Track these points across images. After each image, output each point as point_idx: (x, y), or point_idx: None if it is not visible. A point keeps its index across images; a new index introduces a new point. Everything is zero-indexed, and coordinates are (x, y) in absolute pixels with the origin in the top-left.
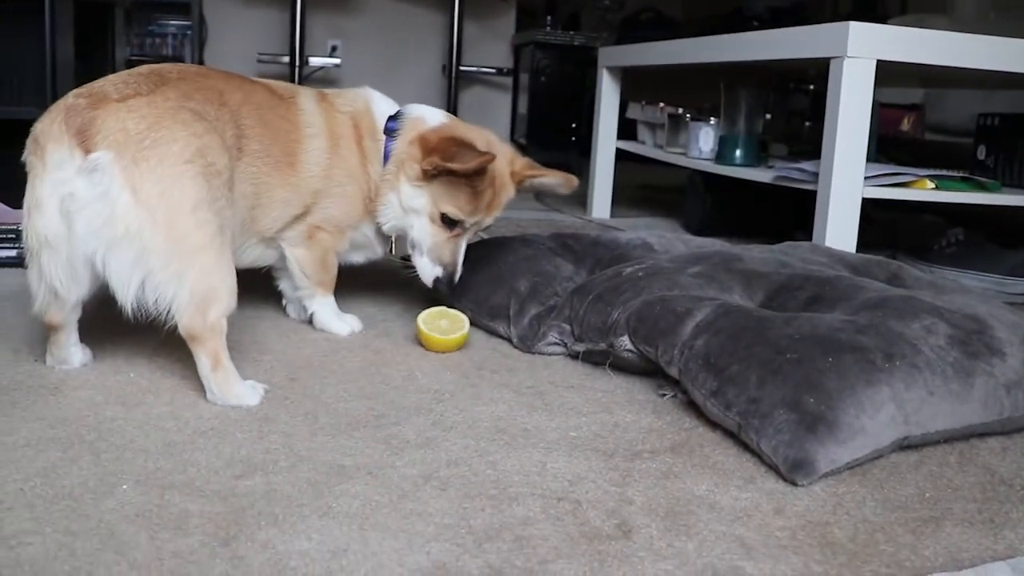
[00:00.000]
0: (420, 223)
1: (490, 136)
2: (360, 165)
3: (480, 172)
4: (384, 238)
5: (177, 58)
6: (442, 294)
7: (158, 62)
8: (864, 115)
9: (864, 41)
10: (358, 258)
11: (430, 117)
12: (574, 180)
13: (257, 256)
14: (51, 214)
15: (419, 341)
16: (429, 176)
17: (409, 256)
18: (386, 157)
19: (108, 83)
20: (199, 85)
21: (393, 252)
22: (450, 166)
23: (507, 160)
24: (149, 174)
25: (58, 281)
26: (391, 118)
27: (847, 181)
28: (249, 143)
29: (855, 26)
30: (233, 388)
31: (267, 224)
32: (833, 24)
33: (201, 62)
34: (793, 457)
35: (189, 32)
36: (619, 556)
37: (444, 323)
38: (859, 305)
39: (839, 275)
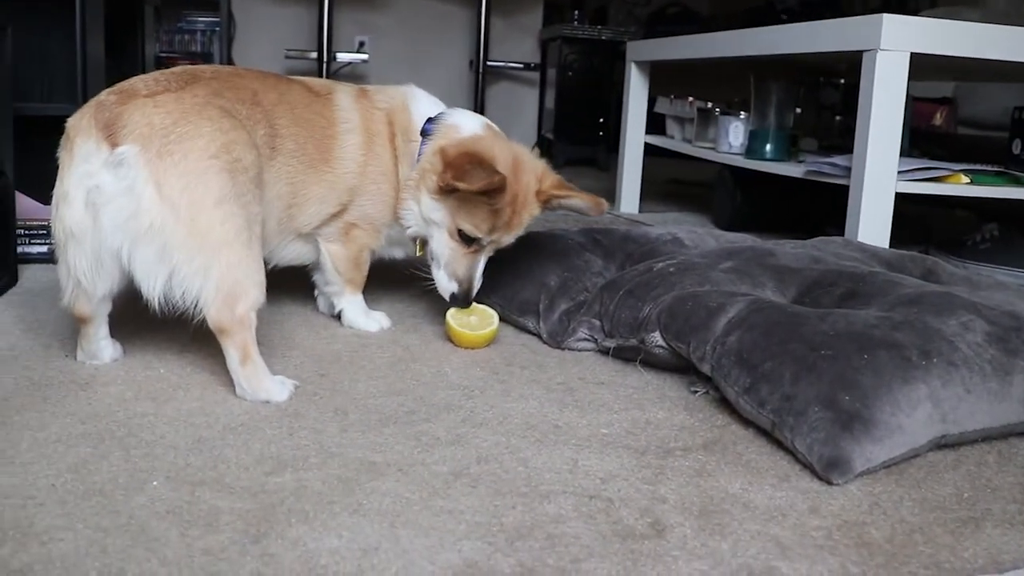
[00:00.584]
0: (438, 236)
1: (520, 153)
2: (392, 164)
3: (495, 191)
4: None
5: (206, 54)
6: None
7: (187, 58)
8: (898, 109)
9: (898, 33)
10: (399, 253)
11: (465, 126)
12: (604, 204)
13: (297, 254)
14: (77, 206)
15: (448, 337)
16: (445, 191)
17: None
18: (419, 160)
19: (140, 81)
20: (232, 84)
21: (418, 253)
22: (458, 185)
23: (535, 178)
24: (173, 168)
25: (83, 274)
26: (429, 120)
27: (880, 176)
28: (283, 142)
29: (888, 18)
30: (262, 383)
31: (304, 221)
32: (866, 16)
33: (230, 58)
34: (828, 455)
35: (218, 29)
36: (652, 555)
37: (473, 319)
38: (894, 301)
39: (873, 271)
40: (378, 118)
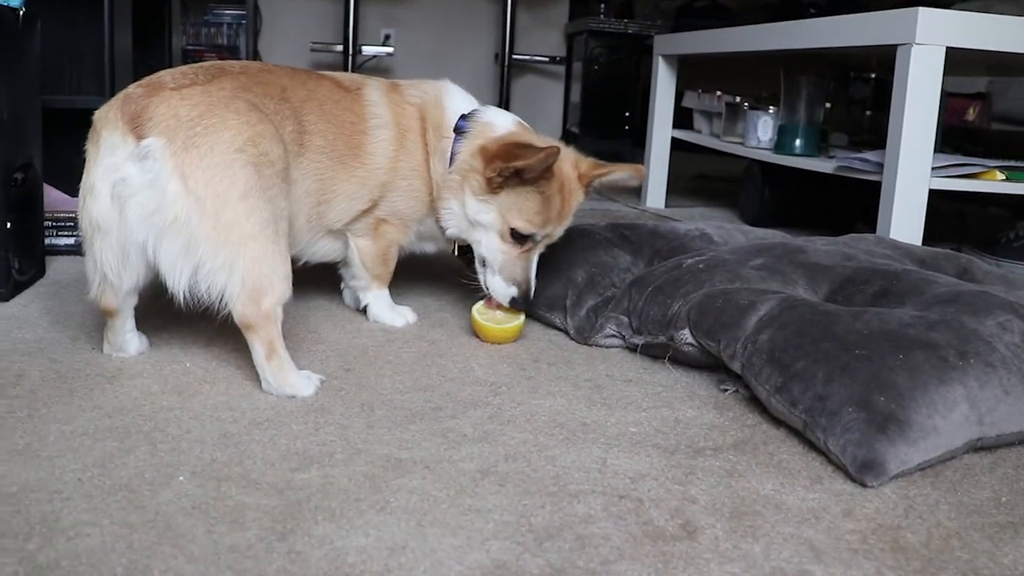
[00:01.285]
0: (488, 240)
1: (552, 143)
2: (423, 160)
3: (547, 174)
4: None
5: (232, 47)
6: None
7: (213, 51)
8: (932, 104)
9: (933, 27)
10: (429, 247)
11: (500, 124)
12: (642, 169)
13: (328, 250)
14: (103, 199)
15: (474, 332)
16: (495, 186)
17: (466, 255)
18: (452, 157)
19: (167, 74)
20: (260, 80)
21: (456, 253)
22: (514, 165)
23: (571, 164)
24: (199, 161)
25: (109, 267)
26: (463, 117)
27: (914, 172)
28: (312, 139)
29: (924, 12)
30: (288, 377)
31: (334, 218)
32: (901, 10)
33: (255, 51)
34: (862, 457)
35: (244, 22)
36: (684, 558)
37: (499, 314)
38: (930, 300)
39: (907, 269)
40: (409, 113)
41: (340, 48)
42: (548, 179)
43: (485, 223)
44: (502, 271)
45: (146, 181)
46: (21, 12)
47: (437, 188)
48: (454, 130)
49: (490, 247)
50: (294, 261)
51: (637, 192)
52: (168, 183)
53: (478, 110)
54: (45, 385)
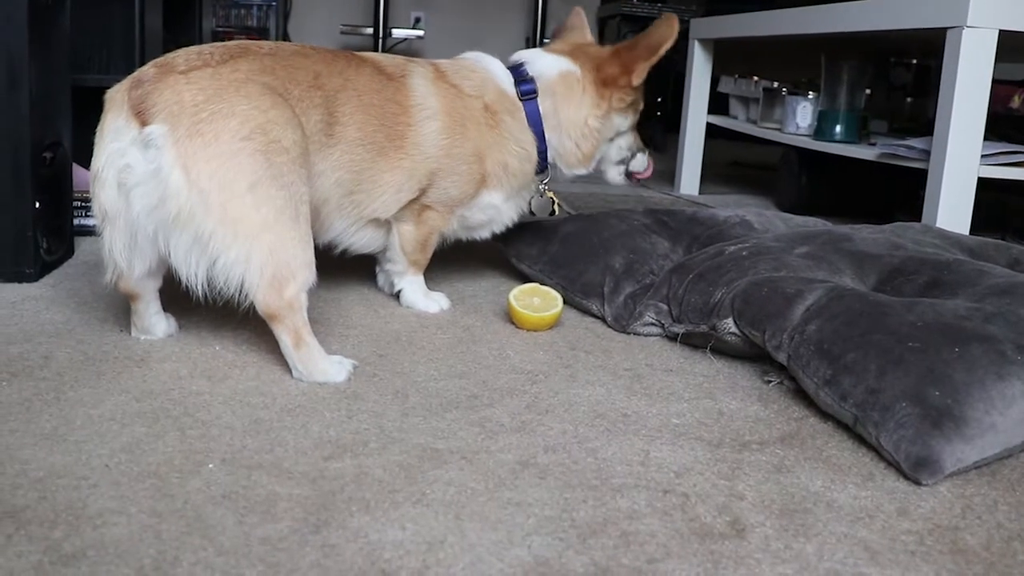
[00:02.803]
0: (624, 140)
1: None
2: (494, 144)
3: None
4: (520, 203)
5: (261, 29)
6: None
7: (243, 33)
8: (983, 90)
9: (986, 9)
10: (484, 234)
11: (540, 60)
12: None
13: (370, 239)
14: (110, 186)
15: (510, 318)
16: (633, 91)
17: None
18: (534, 119)
19: (184, 53)
20: (290, 63)
21: (534, 211)
22: (659, 51)
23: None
24: (203, 151)
25: (119, 253)
26: (518, 82)
27: (962, 159)
28: (346, 130)
29: None
30: (318, 364)
31: (376, 208)
32: None
33: (285, 33)
34: (917, 454)
35: (274, 3)
36: (734, 557)
37: (536, 300)
38: (984, 291)
39: (958, 259)
40: (470, 105)
41: (370, 31)
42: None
43: (624, 128)
44: (639, 148)
45: (149, 171)
46: None
47: (554, 149)
48: (523, 94)
49: (622, 146)
50: (329, 249)
51: (670, 179)
52: (171, 174)
53: (518, 59)
54: (72, 368)
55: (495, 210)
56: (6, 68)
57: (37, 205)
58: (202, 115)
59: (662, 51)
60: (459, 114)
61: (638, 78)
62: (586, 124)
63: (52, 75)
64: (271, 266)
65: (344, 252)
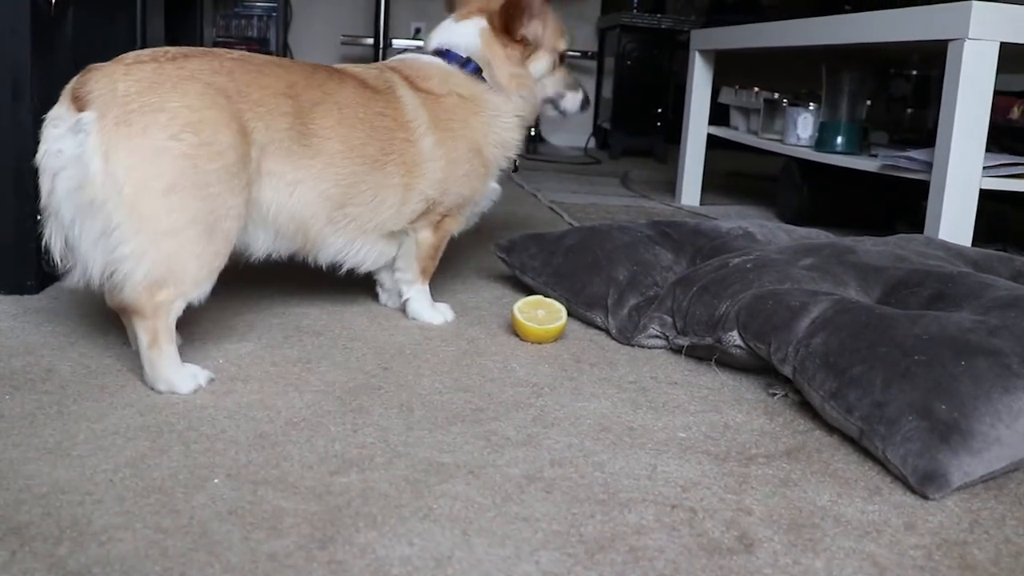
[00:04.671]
0: (551, 81)
1: None
2: (483, 132)
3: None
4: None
5: (262, 39)
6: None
7: (243, 43)
8: (984, 101)
9: (987, 22)
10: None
11: (450, 33)
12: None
13: (379, 253)
14: (46, 173)
15: (514, 331)
16: (528, 40)
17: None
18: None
19: (142, 51)
20: (259, 70)
21: (517, 167)
22: (522, 18)
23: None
24: (126, 142)
25: (56, 248)
26: (459, 64)
27: (964, 171)
28: (325, 143)
29: (978, 6)
30: (163, 372)
31: (382, 222)
32: (953, 3)
33: (286, 43)
34: (924, 468)
35: (275, 14)
36: (742, 573)
37: (541, 312)
38: (988, 304)
39: (962, 271)
40: (449, 104)
41: (370, 41)
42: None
43: (546, 68)
44: (567, 86)
45: (75, 156)
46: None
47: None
48: (463, 65)
49: (555, 84)
50: (334, 270)
51: (671, 189)
52: (91, 159)
53: (437, 53)
54: (75, 381)
55: (495, 191)
56: (9, 79)
57: (39, 217)
58: (132, 106)
59: (521, 14)
60: (443, 118)
61: (521, 29)
62: (514, 78)
63: (55, 86)
64: (159, 271)
65: (352, 272)
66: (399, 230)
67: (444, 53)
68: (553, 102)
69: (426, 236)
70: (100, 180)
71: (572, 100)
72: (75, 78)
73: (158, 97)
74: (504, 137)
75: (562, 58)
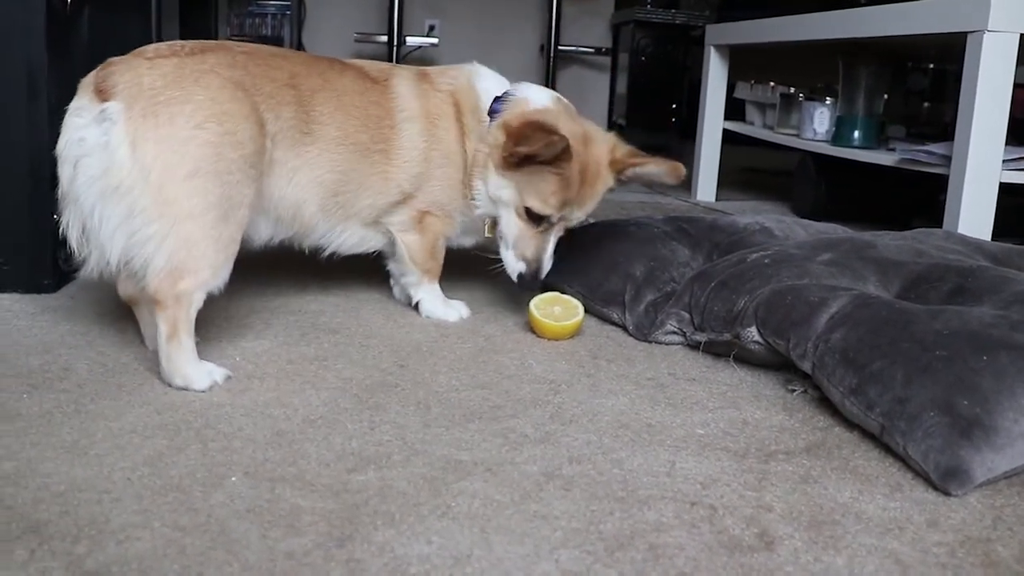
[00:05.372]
0: (506, 215)
1: (590, 126)
2: (458, 144)
3: (564, 157)
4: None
5: (276, 38)
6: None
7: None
8: (1004, 94)
9: (1008, 13)
10: (468, 242)
11: (534, 99)
12: (681, 169)
13: (359, 239)
14: (67, 161)
15: (531, 327)
16: (511, 164)
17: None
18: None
19: (159, 45)
20: (265, 63)
21: (488, 234)
22: (518, 150)
23: (607, 149)
24: (153, 132)
25: (73, 236)
26: (497, 99)
27: (984, 164)
28: (323, 129)
29: None
30: (180, 367)
31: (360, 209)
32: None
33: (299, 42)
34: (946, 464)
35: (288, 12)
36: (763, 570)
37: (557, 309)
38: (1009, 298)
39: (982, 265)
40: (441, 99)
41: (384, 39)
42: (566, 161)
43: (504, 198)
44: (515, 247)
45: (100, 143)
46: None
47: (471, 168)
48: (489, 113)
49: (507, 223)
50: (316, 252)
51: (687, 186)
52: (119, 148)
53: (511, 89)
54: (92, 379)
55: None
56: (25, 78)
57: (55, 216)
58: (159, 98)
59: (521, 150)
60: (434, 114)
61: (504, 149)
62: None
63: (71, 86)
64: (179, 256)
65: (334, 254)
66: (375, 222)
67: (505, 84)
68: (502, 239)
69: (413, 239)
70: (127, 167)
71: (508, 259)
72: (95, 71)
73: (182, 90)
74: (448, 173)
75: (539, 220)
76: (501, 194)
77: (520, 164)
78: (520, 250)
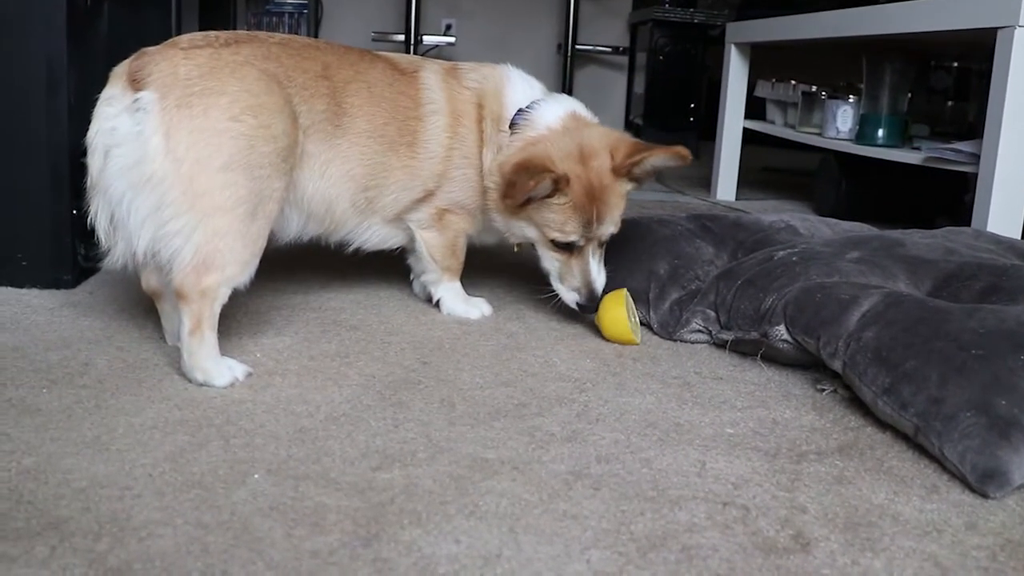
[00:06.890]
0: (539, 250)
1: (587, 139)
2: (476, 147)
3: (561, 187)
4: None
5: None
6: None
7: None
8: None
9: None
10: (490, 239)
11: (541, 121)
12: (684, 151)
13: (383, 237)
14: (98, 153)
15: (600, 317)
16: (515, 209)
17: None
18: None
19: (192, 35)
20: (299, 53)
21: (516, 250)
22: (508, 202)
23: (607, 156)
24: (188, 122)
25: (100, 226)
26: (520, 111)
27: (1014, 163)
28: (354, 121)
29: None
30: (202, 362)
31: (384, 205)
32: None
33: None
34: (983, 466)
35: (305, 11)
36: (800, 573)
37: (634, 318)
38: None
39: (1015, 264)
40: (465, 98)
41: (401, 38)
42: (564, 191)
43: (530, 236)
44: (562, 279)
45: (133, 133)
46: None
47: (487, 176)
48: (510, 126)
49: (544, 257)
50: (341, 247)
51: (706, 184)
52: (152, 138)
53: (532, 104)
54: (113, 375)
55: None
56: (45, 74)
57: (75, 212)
58: (194, 89)
59: (509, 202)
60: (458, 112)
61: (502, 204)
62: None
63: (91, 81)
64: (207, 249)
65: (357, 250)
66: (398, 218)
67: (535, 91)
68: (547, 273)
69: (433, 236)
70: (160, 157)
71: (562, 292)
72: (129, 60)
73: (218, 81)
74: (467, 175)
75: (568, 247)
76: (527, 233)
77: (524, 205)
78: (568, 282)
